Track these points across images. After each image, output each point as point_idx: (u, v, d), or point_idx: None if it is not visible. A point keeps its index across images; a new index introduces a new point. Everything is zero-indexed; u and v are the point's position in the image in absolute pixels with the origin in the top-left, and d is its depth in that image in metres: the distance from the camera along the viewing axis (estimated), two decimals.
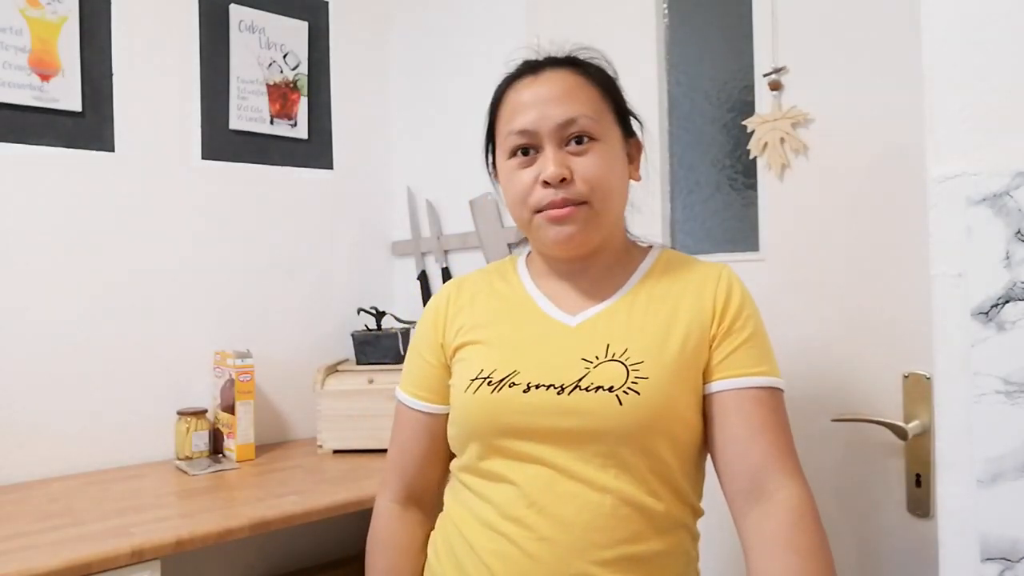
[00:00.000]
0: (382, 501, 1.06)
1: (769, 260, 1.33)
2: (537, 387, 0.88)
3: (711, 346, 0.91)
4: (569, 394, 0.87)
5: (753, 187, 1.37)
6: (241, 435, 1.74)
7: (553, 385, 0.88)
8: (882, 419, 1.13)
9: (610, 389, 0.86)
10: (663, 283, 0.96)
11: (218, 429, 1.80)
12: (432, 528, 1.03)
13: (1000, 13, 0.73)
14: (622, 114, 0.98)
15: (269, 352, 1.95)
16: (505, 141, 0.94)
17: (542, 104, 0.91)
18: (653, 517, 0.87)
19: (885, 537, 1.17)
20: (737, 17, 1.37)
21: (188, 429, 1.73)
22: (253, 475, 1.64)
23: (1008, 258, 0.73)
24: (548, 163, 0.90)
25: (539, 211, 0.92)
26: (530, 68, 0.96)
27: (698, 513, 0.95)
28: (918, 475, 1.13)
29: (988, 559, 0.74)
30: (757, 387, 0.90)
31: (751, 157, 1.34)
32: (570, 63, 0.96)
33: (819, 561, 0.81)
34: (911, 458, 1.14)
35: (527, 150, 0.93)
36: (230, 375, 1.75)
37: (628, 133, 0.99)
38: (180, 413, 1.75)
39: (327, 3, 2.11)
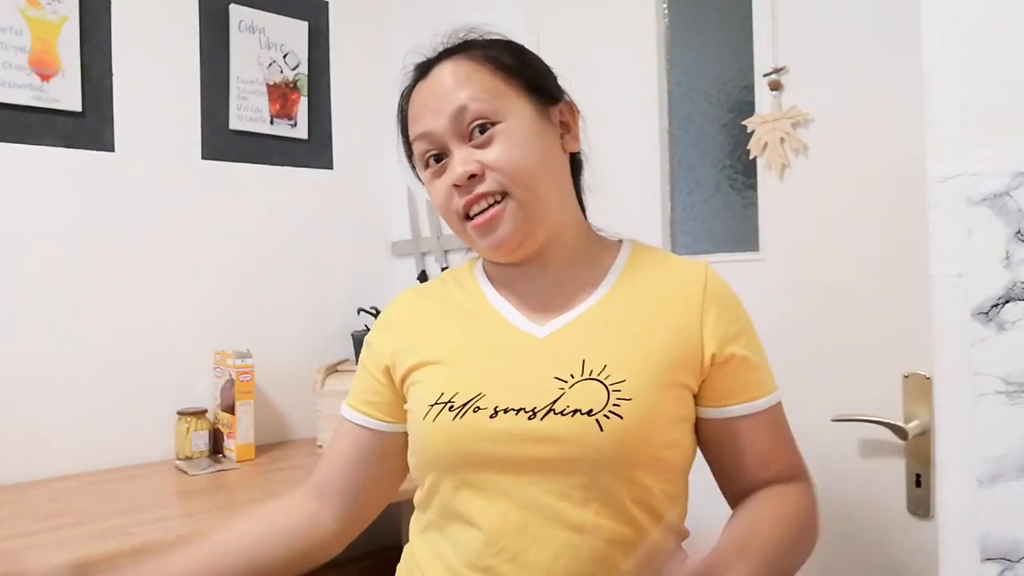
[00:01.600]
0: (301, 488, 0.96)
1: (769, 260, 1.33)
2: (505, 411, 0.78)
3: (704, 366, 0.82)
4: (542, 419, 0.77)
5: (753, 187, 1.37)
6: (241, 435, 1.74)
7: (523, 409, 0.77)
8: (882, 419, 1.13)
9: (588, 413, 0.76)
10: (640, 285, 0.86)
11: (218, 429, 1.80)
12: (341, 532, 0.93)
13: (1000, 13, 0.74)
14: (531, 84, 0.86)
15: (269, 352, 1.95)
16: (415, 148, 0.87)
17: (434, 103, 0.83)
18: (633, 551, 0.78)
19: (885, 537, 1.17)
20: (737, 17, 1.37)
21: (188, 429, 1.73)
22: (253, 475, 1.64)
23: (1008, 258, 0.73)
24: (454, 166, 0.82)
25: (467, 219, 0.83)
26: (420, 70, 0.89)
27: (683, 536, 0.86)
28: (918, 475, 1.13)
29: (988, 559, 0.74)
30: (763, 410, 0.84)
31: (751, 157, 1.34)
32: (456, 51, 0.87)
33: (801, 519, 0.81)
34: (911, 458, 1.14)
35: (439, 157, 0.84)
36: (230, 375, 1.75)
37: (550, 101, 0.87)
38: (180, 413, 1.75)
39: (327, 3, 2.11)
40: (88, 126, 1.71)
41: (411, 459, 0.87)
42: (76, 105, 1.68)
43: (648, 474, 0.78)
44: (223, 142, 1.92)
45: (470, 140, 0.82)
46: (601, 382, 0.78)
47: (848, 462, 1.21)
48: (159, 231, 1.81)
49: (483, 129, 0.81)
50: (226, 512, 1.36)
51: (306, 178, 2.07)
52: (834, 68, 1.22)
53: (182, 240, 1.85)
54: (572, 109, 0.90)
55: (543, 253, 0.86)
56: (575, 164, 0.93)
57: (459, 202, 0.82)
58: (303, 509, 0.93)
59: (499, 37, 0.90)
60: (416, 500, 0.89)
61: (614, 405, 0.76)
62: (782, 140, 1.28)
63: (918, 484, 1.13)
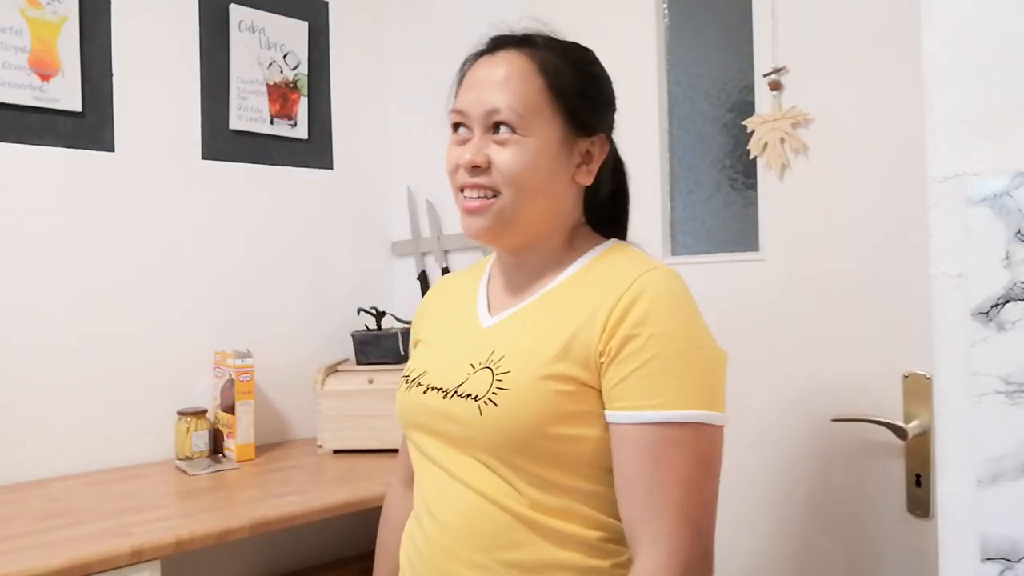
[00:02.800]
0: (392, 484, 1.12)
1: (769, 260, 1.33)
2: (432, 389, 0.90)
3: (596, 361, 0.81)
4: (449, 399, 0.87)
5: (753, 187, 1.37)
6: (241, 435, 1.74)
7: (441, 388, 0.88)
8: (882, 419, 1.13)
9: (475, 398, 0.84)
10: (579, 285, 0.88)
11: (218, 429, 1.80)
12: None
13: (1000, 13, 0.73)
14: (576, 115, 0.88)
15: (269, 352, 1.95)
16: (449, 115, 0.93)
17: (481, 87, 0.88)
18: (541, 531, 0.81)
19: (885, 537, 1.17)
20: (737, 17, 1.37)
21: (188, 429, 1.73)
22: (253, 475, 1.64)
23: (1008, 258, 0.73)
24: (468, 147, 0.88)
25: (461, 190, 0.90)
26: (492, 45, 0.92)
27: (616, 528, 0.83)
28: (918, 475, 1.13)
29: (988, 559, 0.74)
30: (637, 424, 0.77)
31: (751, 157, 1.34)
32: (527, 44, 0.90)
33: None
34: (911, 458, 1.14)
35: (464, 129, 0.90)
36: (230, 375, 1.75)
37: (584, 131, 0.89)
38: (180, 413, 1.75)
39: (327, 3, 2.11)
40: (88, 126, 1.71)
41: None
42: (76, 105, 1.68)
43: (534, 463, 0.81)
44: (223, 142, 1.92)
45: (494, 132, 0.87)
46: (491, 370, 0.85)
47: (848, 462, 1.21)
48: (159, 231, 1.81)
49: (505, 130, 0.86)
50: (226, 512, 1.36)
51: (306, 178, 2.07)
52: (834, 68, 1.22)
53: (182, 240, 1.85)
54: (604, 145, 0.92)
55: (520, 250, 0.93)
56: (619, 176, 0.99)
57: (461, 178, 0.89)
58: (407, 509, 1.01)
59: (580, 55, 0.93)
60: None
61: (493, 393, 0.83)
62: (782, 140, 1.28)
63: (918, 484, 1.13)
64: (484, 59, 0.91)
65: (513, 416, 0.81)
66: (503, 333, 0.90)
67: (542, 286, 0.91)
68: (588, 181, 0.92)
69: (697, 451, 0.78)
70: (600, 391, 0.81)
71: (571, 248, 0.93)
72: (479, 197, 0.87)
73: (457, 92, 0.93)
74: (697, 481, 0.77)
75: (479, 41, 0.94)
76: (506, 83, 0.86)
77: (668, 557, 0.75)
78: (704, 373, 0.80)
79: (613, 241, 0.95)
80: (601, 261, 0.90)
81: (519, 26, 0.95)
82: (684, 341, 0.79)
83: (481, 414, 0.82)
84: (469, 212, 0.89)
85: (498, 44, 0.91)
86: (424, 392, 0.90)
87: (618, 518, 0.82)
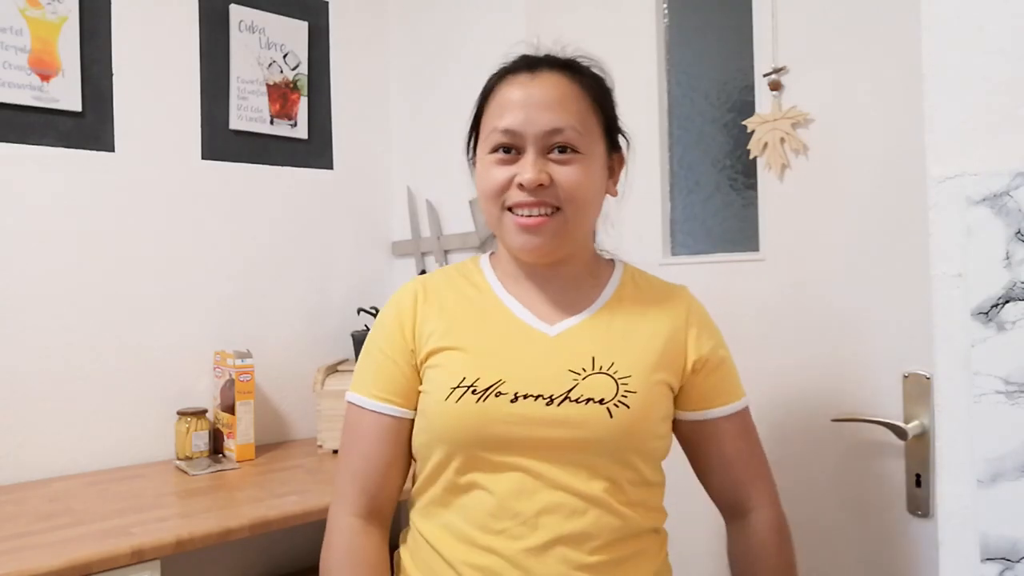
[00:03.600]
0: (341, 516, 0.95)
1: (769, 260, 1.33)
2: (525, 397, 0.87)
3: (686, 373, 0.95)
4: (559, 405, 0.87)
5: (753, 187, 1.37)
6: (241, 435, 1.74)
7: (542, 395, 0.87)
8: (882, 419, 1.13)
9: (601, 401, 0.87)
10: (636, 300, 0.98)
11: (218, 429, 1.80)
12: (387, 543, 0.98)
13: (1000, 13, 0.73)
14: (610, 128, 0.97)
15: (269, 352, 1.95)
16: (490, 136, 0.92)
17: (532, 107, 0.89)
18: (629, 524, 0.89)
19: (885, 537, 1.17)
20: (737, 17, 1.37)
21: (188, 429, 1.73)
22: (253, 475, 1.64)
23: (1008, 258, 0.73)
24: (528, 167, 0.88)
25: (510, 209, 0.91)
26: (527, 65, 0.93)
27: (663, 516, 0.97)
28: (918, 475, 1.13)
29: (988, 559, 0.74)
30: (730, 415, 0.97)
31: (751, 157, 1.34)
32: (567, 67, 0.94)
33: None
34: (911, 458, 1.14)
35: (509, 149, 0.91)
36: (230, 375, 1.75)
37: (613, 147, 0.98)
38: (180, 413, 1.75)
39: (327, 3, 2.11)
40: (88, 126, 1.71)
41: (420, 438, 0.94)
42: (76, 105, 1.68)
43: (640, 460, 0.90)
44: (223, 142, 1.92)
45: (548, 152, 0.90)
46: (611, 376, 0.89)
47: (848, 462, 1.21)
48: (159, 231, 1.81)
49: (563, 150, 0.89)
50: (226, 512, 1.36)
51: (306, 178, 2.07)
52: (834, 68, 1.22)
53: (182, 240, 1.85)
54: (622, 161, 1.01)
55: (557, 263, 0.96)
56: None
57: (515, 197, 0.90)
58: (379, 548, 0.95)
59: (604, 77, 0.98)
60: (416, 488, 0.97)
61: (622, 396, 0.88)
62: (782, 140, 1.28)
63: (918, 484, 1.13)
64: (523, 78, 0.92)
65: (642, 417, 0.88)
66: (584, 341, 0.92)
67: (594, 297, 0.97)
68: (616, 193, 1.00)
69: (753, 424, 1.02)
70: (675, 395, 0.96)
71: (593, 263, 1.01)
72: (539, 215, 0.89)
73: (486, 109, 0.95)
74: (761, 445, 1.02)
75: (505, 60, 0.97)
76: (563, 104, 0.90)
77: (776, 501, 1.00)
78: (734, 363, 1.02)
79: (615, 258, 1.06)
80: (631, 278, 1.02)
81: (534, 42, 1.00)
82: (725, 342, 1.01)
83: (612, 417, 0.87)
84: (528, 229, 0.90)
85: (535, 64, 0.93)
86: (512, 401, 0.87)
87: (662, 504, 0.98)
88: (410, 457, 0.98)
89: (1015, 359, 0.72)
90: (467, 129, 1.01)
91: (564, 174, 0.89)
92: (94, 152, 1.72)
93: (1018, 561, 0.72)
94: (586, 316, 0.95)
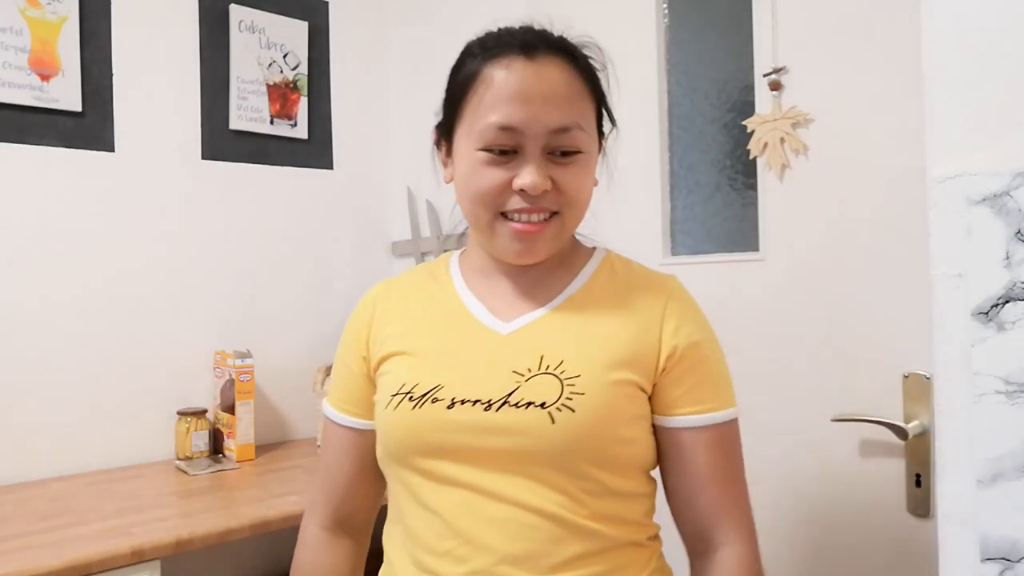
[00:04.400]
0: (309, 527, 0.95)
1: (769, 260, 1.33)
2: (462, 402, 0.79)
3: (658, 374, 0.83)
4: (497, 410, 0.78)
5: (753, 187, 1.37)
6: (241, 435, 1.74)
7: (480, 400, 0.79)
8: (882, 419, 1.13)
9: (542, 405, 0.77)
10: (607, 291, 0.87)
11: (218, 429, 1.80)
12: (362, 556, 0.97)
13: (1000, 14, 0.73)
14: (600, 115, 0.88)
15: (269, 352, 1.95)
16: (482, 130, 0.80)
17: (535, 101, 0.78)
18: (599, 539, 0.79)
19: (885, 537, 1.17)
20: (737, 17, 1.37)
21: (188, 429, 1.73)
22: (253, 475, 1.64)
23: (1008, 258, 0.73)
24: (530, 172, 0.79)
25: (503, 214, 0.81)
26: (522, 46, 0.81)
27: (649, 529, 0.86)
28: (918, 475, 1.13)
29: (988, 559, 0.74)
30: (703, 426, 0.83)
31: (751, 157, 1.34)
32: (565, 51, 0.83)
33: None
34: (911, 458, 1.14)
35: (506, 150, 0.80)
36: (230, 375, 1.75)
37: (601, 137, 0.90)
38: (180, 413, 1.75)
39: (327, 3, 2.11)
40: (88, 126, 1.71)
41: (378, 451, 0.88)
42: (76, 105, 1.68)
43: (600, 469, 0.79)
44: (223, 142, 1.92)
45: (549, 153, 0.80)
46: (556, 376, 0.79)
47: (848, 462, 1.21)
48: (159, 231, 1.81)
49: (567, 152, 0.81)
50: (226, 512, 1.36)
51: (306, 178, 2.07)
52: (834, 68, 1.22)
53: (182, 240, 1.85)
54: (602, 145, 0.91)
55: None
56: None
57: (513, 203, 0.80)
58: (343, 561, 0.94)
59: (597, 57, 0.88)
60: (388, 494, 0.91)
61: (567, 399, 0.78)
62: (782, 140, 1.28)
63: (918, 484, 1.13)
64: (519, 63, 0.80)
65: (591, 420, 0.77)
66: (538, 338, 0.83)
67: (559, 290, 0.87)
68: (597, 182, 0.90)
69: (739, 441, 0.87)
70: (649, 396, 0.83)
71: (571, 253, 0.91)
72: (538, 220, 0.81)
73: (470, 94, 0.83)
74: (743, 468, 0.87)
75: (494, 33, 0.86)
76: (568, 99, 0.81)
77: (751, 537, 0.84)
78: (727, 369, 0.88)
79: (596, 245, 0.95)
80: (610, 266, 0.90)
81: (528, 16, 0.90)
82: (717, 343, 0.88)
83: (554, 422, 0.77)
84: (527, 234, 0.81)
85: (531, 45, 0.81)
86: (449, 407, 0.79)
87: (651, 517, 0.86)
88: (377, 467, 0.92)
89: (1015, 359, 0.72)
90: (441, 108, 0.90)
91: (568, 178, 0.81)
92: (94, 152, 1.72)
93: (1018, 561, 0.72)
94: (546, 310, 0.85)
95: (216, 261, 1.90)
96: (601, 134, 0.89)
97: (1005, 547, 0.73)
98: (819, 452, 1.24)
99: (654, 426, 0.85)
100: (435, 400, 0.80)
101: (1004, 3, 0.73)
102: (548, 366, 0.80)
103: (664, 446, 0.85)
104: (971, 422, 0.75)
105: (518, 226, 0.81)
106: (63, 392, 1.67)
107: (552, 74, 0.80)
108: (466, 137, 0.83)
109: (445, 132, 0.88)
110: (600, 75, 0.87)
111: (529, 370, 0.80)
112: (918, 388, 1.12)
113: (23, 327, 1.63)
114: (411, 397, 0.81)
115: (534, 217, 0.81)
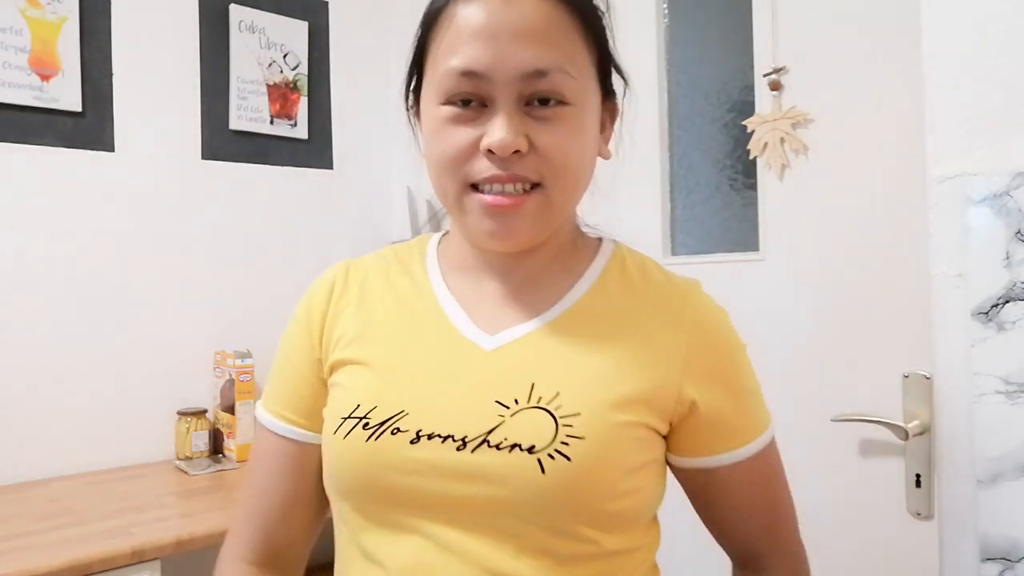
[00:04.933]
0: (228, 562, 0.76)
1: (769, 260, 1.33)
2: (430, 437, 0.63)
3: (677, 412, 0.68)
4: (473, 451, 0.62)
5: (753, 187, 1.37)
6: (241, 435, 1.74)
7: (452, 436, 0.63)
8: (882, 419, 1.13)
9: (530, 449, 0.61)
10: (616, 303, 0.71)
11: (218, 429, 1.80)
12: None
13: (1000, 14, 0.74)
14: (605, 69, 0.71)
15: (269, 352, 1.94)
16: (441, 79, 0.65)
17: (503, 38, 0.62)
18: None
19: (885, 537, 1.17)
20: (737, 17, 1.37)
21: (188, 429, 1.73)
22: None
23: (1008, 258, 0.73)
24: (499, 127, 0.62)
25: (474, 185, 0.65)
26: None
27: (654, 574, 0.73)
28: (918, 475, 1.13)
29: (988, 559, 0.74)
30: (748, 458, 0.71)
31: (751, 157, 1.34)
32: None
33: None
34: (911, 458, 1.14)
35: (469, 100, 0.64)
36: (230, 375, 1.75)
37: (607, 94, 0.72)
38: (180, 413, 1.75)
39: (327, 3, 2.11)
40: (88, 126, 1.71)
41: (324, 480, 0.72)
42: (76, 105, 1.68)
43: (595, 528, 0.63)
44: (223, 142, 1.92)
45: (525, 105, 0.64)
46: (550, 413, 0.63)
47: (848, 462, 1.21)
48: (159, 231, 1.81)
49: (546, 101, 0.64)
50: (226, 512, 1.36)
51: (306, 178, 2.07)
52: (834, 68, 1.22)
53: (182, 240, 1.85)
54: (615, 109, 0.75)
55: (532, 249, 0.71)
56: None
57: (482, 167, 0.64)
58: None
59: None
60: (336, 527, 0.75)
61: (562, 443, 0.62)
62: (782, 140, 1.28)
63: (918, 484, 1.13)
64: None
65: (590, 472, 0.62)
66: (528, 359, 0.67)
67: (558, 295, 0.71)
68: (608, 155, 0.74)
69: (778, 457, 0.76)
70: (664, 437, 0.70)
71: (573, 247, 0.75)
72: (513, 193, 0.64)
73: (432, 38, 0.67)
74: (786, 484, 0.76)
75: None
76: (547, 35, 0.63)
77: (798, 559, 0.76)
78: (758, 382, 0.74)
79: (602, 236, 0.79)
80: (619, 269, 0.74)
81: None
82: (746, 355, 0.74)
83: (543, 471, 0.61)
84: (499, 211, 0.64)
85: None
86: (413, 441, 0.63)
87: (650, 570, 0.72)
88: (320, 490, 0.74)
89: (1015, 359, 0.72)
90: (406, 68, 0.73)
91: (549, 137, 0.63)
92: (94, 152, 1.72)
93: (1018, 561, 0.72)
94: (541, 323, 0.69)
95: (216, 261, 1.90)
96: (609, 92, 0.73)
97: (1005, 547, 0.73)
98: (819, 452, 1.24)
99: (671, 464, 0.72)
100: (395, 431, 0.64)
101: (1004, 4, 0.73)
102: (540, 398, 0.64)
103: (691, 484, 0.73)
104: (971, 422, 0.75)
105: (488, 199, 0.64)
106: (63, 392, 1.67)
107: (526, 5, 0.63)
108: (430, 91, 0.67)
109: (416, 92, 0.73)
110: (600, 17, 0.70)
111: (516, 401, 0.64)
112: (918, 388, 1.12)
113: (23, 327, 1.63)
114: (366, 424, 0.65)
115: (508, 188, 0.64)
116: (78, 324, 1.69)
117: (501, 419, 0.63)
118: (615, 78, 0.74)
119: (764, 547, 0.75)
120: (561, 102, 0.64)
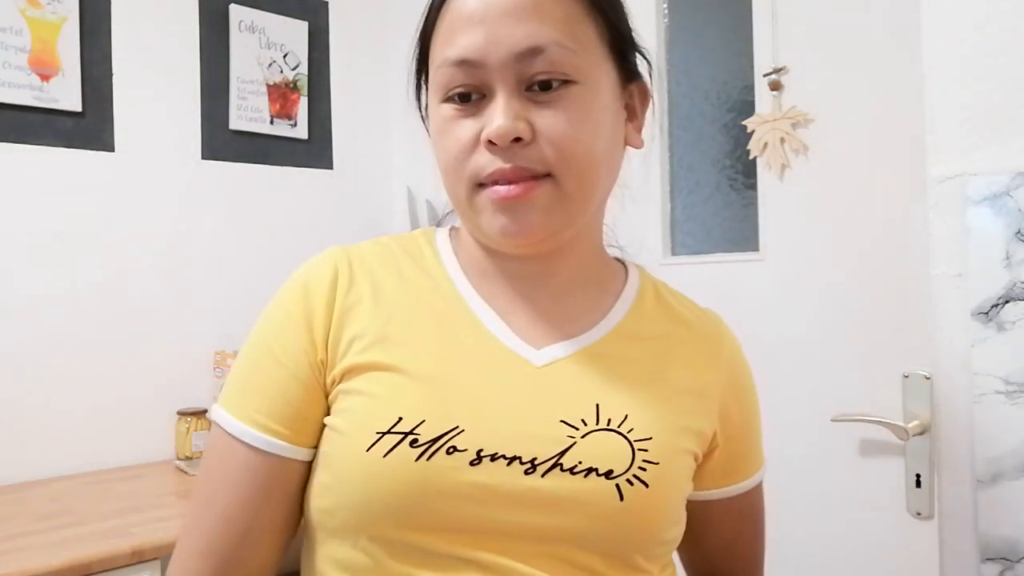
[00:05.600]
0: None
1: (769, 260, 1.33)
2: (493, 458, 0.56)
3: (709, 445, 0.68)
4: (543, 475, 0.56)
5: (753, 187, 1.37)
6: None
7: (519, 458, 0.56)
8: (882, 419, 1.13)
9: (608, 474, 0.57)
10: (660, 327, 0.69)
11: None
12: None
13: (1000, 14, 0.74)
14: (621, 45, 0.65)
15: None
16: (439, 74, 0.61)
17: (493, 19, 0.58)
18: None
19: (885, 537, 1.17)
20: (737, 17, 1.37)
21: (188, 429, 1.73)
22: None
23: (1008, 258, 0.73)
24: (497, 115, 0.58)
25: (480, 184, 0.60)
26: None
27: None
28: (918, 475, 1.12)
29: (988, 559, 0.74)
30: (755, 487, 0.74)
31: (751, 157, 1.34)
32: None
33: None
34: (911, 458, 1.14)
35: (468, 94, 0.60)
36: None
37: (629, 75, 0.67)
38: (180, 413, 1.75)
39: (327, 3, 2.11)
40: (88, 126, 1.71)
41: (324, 500, 0.60)
42: (76, 105, 1.68)
43: (647, 559, 0.61)
44: (223, 142, 1.92)
45: (527, 89, 0.59)
46: (623, 435, 0.59)
47: (848, 462, 1.21)
48: (159, 231, 1.81)
49: (547, 85, 0.58)
50: None
51: (306, 178, 2.07)
52: (834, 68, 1.22)
53: (182, 240, 1.85)
54: (645, 93, 0.69)
55: (557, 254, 0.65)
56: None
57: (485, 163, 0.59)
58: None
59: None
60: (304, 570, 0.64)
61: (639, 468, 0.58)
62: (782, 140, 1.28)
63: (918, 484, 1.13)
64: None
65: (666, 499, 0.60)
66: (584, 379, 0.62)
67: (599, 314, 0.67)
68: (639, 144, 0.68)
69: (762, 493, 0.77)
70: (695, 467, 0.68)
71: (602, 262, 0.71)
72: (518, 179, 0.59)
73: (434, 34, 0.63)
74: (764, 519, 0.78)
75: None
76: (537, 9, 0.58)
77: None
78: (760, 422, 0.76)
79: (628, 259, 0.77)
80: (650, 293, 0.72)
81: None
82: (757, 397, 0.75)
83: (622, 498, 0.57)
84: (508, 202, 0.59)
85: None
86: (474, 463, 0.56)
87: None
88: (298, 519, 0.64)
89: (1015, 359, 0.72)
90: (413, 70, 0.70)
91: (553, 120, 0.58)
92: (94, 152, 1.72)
93: (1018, 561, 0.72)
94: (588, 342, 0.64)
95: (216, 261, 1.90)
96: (633, 73, 0.68)
97: (1005, 547, 0.73)
98: (819, 452, 1.24)
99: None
100: (452, 450, 0.56)
101: (1004, 4, 0.73)
102: (609, 420, 0.59)
103: (694, 516, 0.70)
104: (971, 422, 0.75)
105: (500, 191, 0.59)
106: (63, 392, 1.67)
107: None
108: (432, 92, 0.64)
109: (421, 93, 0.70)
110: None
111: (583, 422, 0.59)
112: (918, 388, 1.12)
113: (23, 327, 1.63)
114: (415, 441, 0.56)
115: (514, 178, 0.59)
116: (78, 324, 1.69)
117: (572, 440, 0.58)
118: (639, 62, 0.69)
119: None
120: (565, 81, 0.59)
